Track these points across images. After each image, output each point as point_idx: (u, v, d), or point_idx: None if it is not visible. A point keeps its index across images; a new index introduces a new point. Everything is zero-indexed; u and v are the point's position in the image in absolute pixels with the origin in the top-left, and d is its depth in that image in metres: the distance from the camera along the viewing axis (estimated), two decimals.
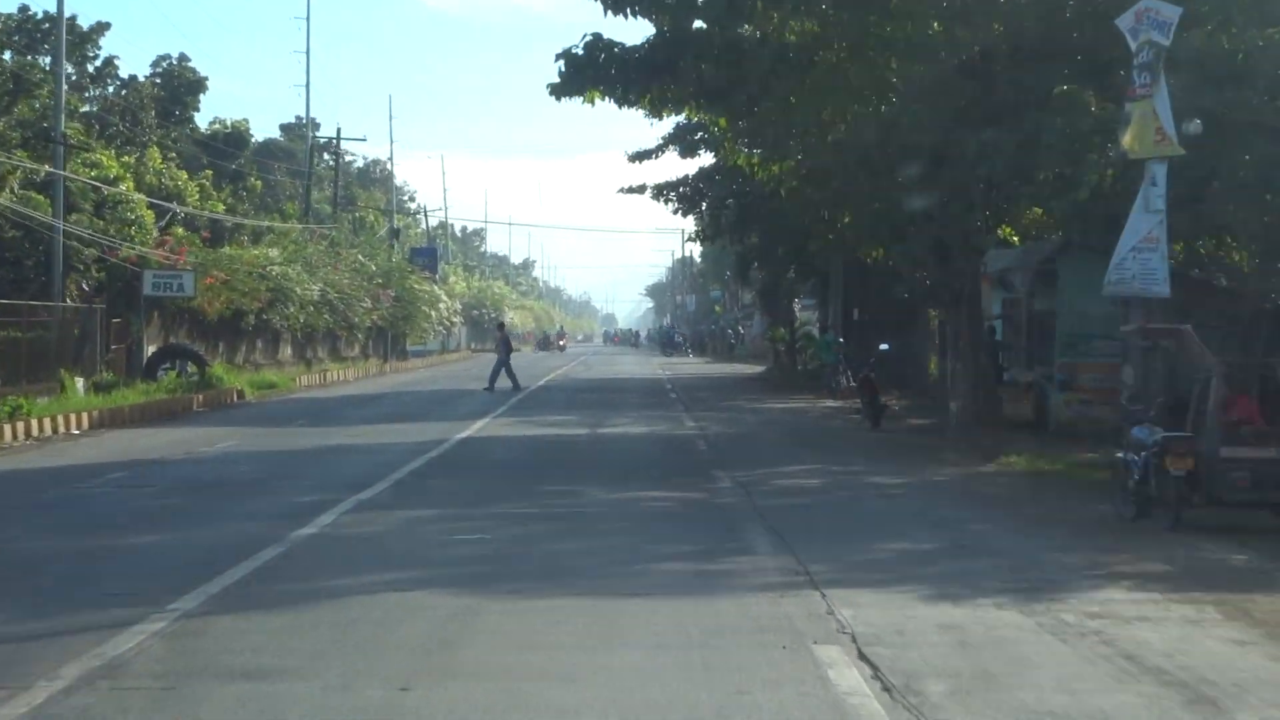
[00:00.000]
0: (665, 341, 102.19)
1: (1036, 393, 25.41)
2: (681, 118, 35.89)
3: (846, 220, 27.50)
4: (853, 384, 33.12)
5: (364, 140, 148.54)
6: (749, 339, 71.65)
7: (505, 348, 40.92)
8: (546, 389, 43.05)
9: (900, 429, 26.79)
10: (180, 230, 52.11)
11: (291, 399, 38.97)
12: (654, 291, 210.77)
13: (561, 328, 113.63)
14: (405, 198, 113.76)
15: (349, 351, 61.09)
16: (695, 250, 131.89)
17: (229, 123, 71.66)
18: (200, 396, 34.13)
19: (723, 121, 26.16)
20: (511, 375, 39.53)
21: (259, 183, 73.21)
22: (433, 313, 71.11)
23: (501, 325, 46.94)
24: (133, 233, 37.15)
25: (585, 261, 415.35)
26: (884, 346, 30.89)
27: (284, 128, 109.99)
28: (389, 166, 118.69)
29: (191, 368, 36.97)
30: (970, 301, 24.60)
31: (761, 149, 27.82)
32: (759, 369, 57.24)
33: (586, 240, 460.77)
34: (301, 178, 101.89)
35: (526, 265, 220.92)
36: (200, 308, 39.98)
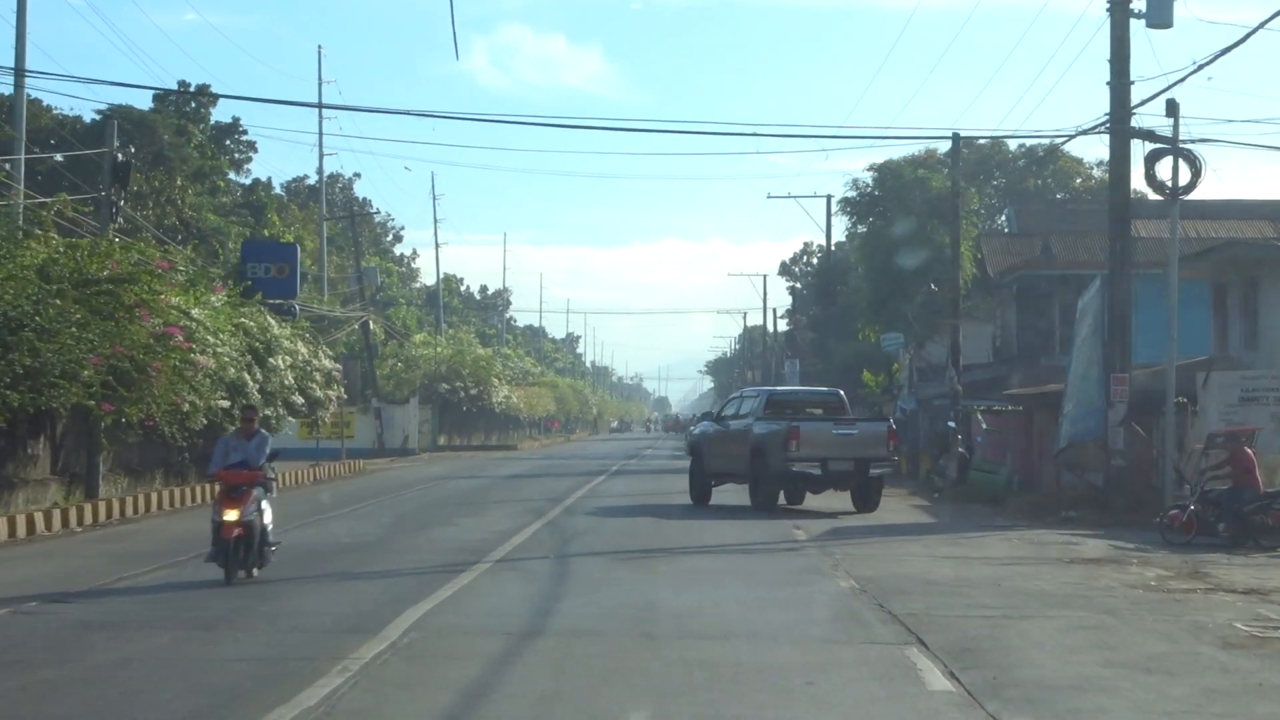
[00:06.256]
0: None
1: None
2: None
3: None
4: None
5: None
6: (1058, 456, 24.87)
7: None
8: None
9: None
10: None
11: None
12: (716, 368, 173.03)
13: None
14: (392, 238, 75.63)
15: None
16: (779, 294, 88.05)
17: None
18: None
19: None
20: None
21: None
22: (248, 375, 32.41)
23: None
24: None
25: (635, 334, 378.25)
26: None
27: (159, 98, 70.82)
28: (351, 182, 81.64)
29: None
30: None
31: None
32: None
33: (638, 320, 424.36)
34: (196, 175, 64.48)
35: (570, 340, 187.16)
36: None
